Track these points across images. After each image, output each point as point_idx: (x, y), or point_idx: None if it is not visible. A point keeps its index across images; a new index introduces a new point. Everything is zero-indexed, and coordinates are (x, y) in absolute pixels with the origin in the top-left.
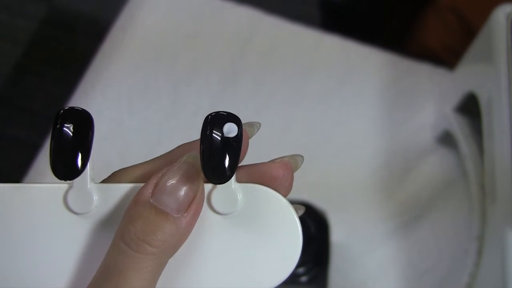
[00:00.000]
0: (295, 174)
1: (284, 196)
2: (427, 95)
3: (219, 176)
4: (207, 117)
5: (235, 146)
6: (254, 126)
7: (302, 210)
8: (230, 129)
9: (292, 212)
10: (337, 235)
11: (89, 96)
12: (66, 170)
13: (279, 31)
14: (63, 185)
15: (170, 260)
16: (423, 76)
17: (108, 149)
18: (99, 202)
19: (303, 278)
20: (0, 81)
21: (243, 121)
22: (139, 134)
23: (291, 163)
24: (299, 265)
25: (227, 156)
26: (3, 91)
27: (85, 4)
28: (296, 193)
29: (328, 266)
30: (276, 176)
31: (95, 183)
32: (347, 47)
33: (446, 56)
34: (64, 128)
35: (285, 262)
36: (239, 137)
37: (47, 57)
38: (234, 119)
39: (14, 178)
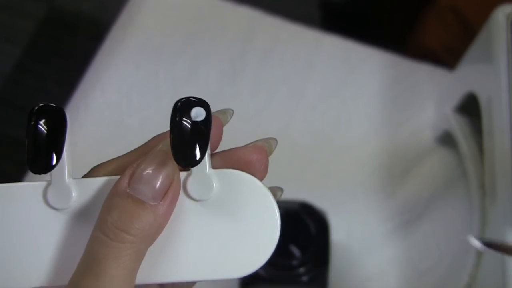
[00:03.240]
0: (296, 173)
1: (260, 179)
2: (427, 95)
3: (189, 159)
4: (175, 103)
5: (203, 129)
6: (227, 113)
7: (281, 192)
8: (197, 113)
9: (269, 194)
10: (337, 235)
11: (89, 96)
12: (40, 164)
13: (279, 31)
14: (43, 182)
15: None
16: (423, 76)
17: (108, 149)
18: (78, 196)
19: (303, 278)
20: (0, 81)
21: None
22: (139, 134)
23: (265, 147)
24: (299, 265)
25: (196, 139)
26: (3, 91)
27: (85, 4)
28: (297, 193)
29: (328, 266)
30: (251, 160)
31: (74, 178)
32: (347, 47)
33: (446, 56)
34: (38, 125)
35: (264, 245)
36: (207, 121)
37: (47, 57)
38: (202, 103)
39: (14, 178)
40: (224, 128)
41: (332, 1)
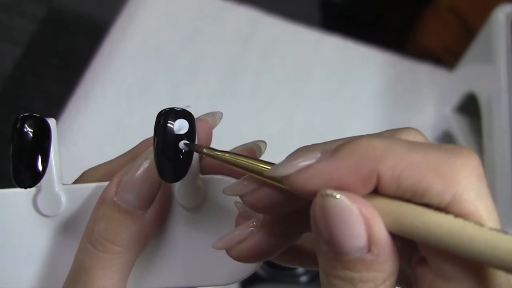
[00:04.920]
0: None
1: None
2: (427, 95)
3: (172, 175)
4: (159, 113)
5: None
6: (216, 116)
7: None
8: (181, 126)
9: None
10: None
11: (89, 96)
12: (27, 176)
13: (279, 31)
14: (32, 189)
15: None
16: (423, 76)
17: (108, 149)
18: (68, 203)
19: (303, 278)
20: (0, 81)
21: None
22: (139, 134)
23: (254, 149)
24: None
25: (179, 153)
26: (3, 91)
27: (85, 4)
28: None
29: None
30: None
31: (64, 184)
32: (347, 47)
33: (446, 56)
34: (23, 133)
35: None
36: (190, 133)
37: (47, 57)
38: (185, 115)
39: None
40: (224, 129)
41: (332, 1)
